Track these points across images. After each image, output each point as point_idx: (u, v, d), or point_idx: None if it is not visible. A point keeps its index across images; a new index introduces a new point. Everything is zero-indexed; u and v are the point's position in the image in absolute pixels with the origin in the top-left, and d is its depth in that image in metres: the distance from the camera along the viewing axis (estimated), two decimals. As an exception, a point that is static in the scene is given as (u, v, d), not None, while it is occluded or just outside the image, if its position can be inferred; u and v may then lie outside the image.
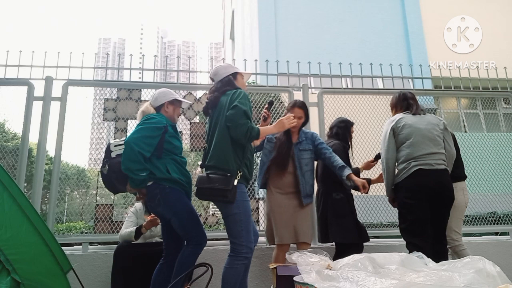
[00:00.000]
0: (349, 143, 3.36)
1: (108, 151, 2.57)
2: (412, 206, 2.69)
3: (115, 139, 2.94)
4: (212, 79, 2.62)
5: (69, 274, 2.38)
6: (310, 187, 2.98)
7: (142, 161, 2.36)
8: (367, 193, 2.89)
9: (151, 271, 2.62)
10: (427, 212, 2.67)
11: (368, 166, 3.47)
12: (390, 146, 2.82)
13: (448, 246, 2.85)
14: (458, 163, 3.04)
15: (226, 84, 2.51)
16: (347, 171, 2.84)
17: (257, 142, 3.05)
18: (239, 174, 2.34)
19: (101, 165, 2.65)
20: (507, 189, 4.25)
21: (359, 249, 3.05)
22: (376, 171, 3.59)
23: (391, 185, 2.86)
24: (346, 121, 3.40)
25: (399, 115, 2.89)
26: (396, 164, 2.85)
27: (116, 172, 2.46)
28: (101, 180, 2.60)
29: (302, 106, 3.07)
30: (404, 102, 2.96)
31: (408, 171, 2.71)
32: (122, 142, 2.50)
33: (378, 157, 3.34)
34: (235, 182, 2.29)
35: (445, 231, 2.81)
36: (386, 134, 2.85)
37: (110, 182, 2.53)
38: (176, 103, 2.72)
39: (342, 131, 3.33)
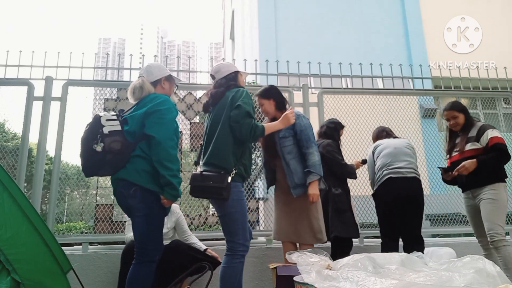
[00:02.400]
0: (339, 143, 3.38)
1: (98, 124, 2.16)
2: (384, 210, 3.16)
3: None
4: (213, 77, 2.61)
5: (69, 274, 2.39)
6: (299, 175, 2.71)
7: (178, 159, 2.18)
8: (312, 201, 2.73)
9: (160, 271, 2.62)
10: (397, 216, 3.07)
11: (357, 165, 3.47)
12: (369, 166, 3.39)
13: (490, 240, 2.88)
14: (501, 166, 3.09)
15: (231, 80, 2.53)
16: (311, 178, 2.67)
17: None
18: (234, 171, 2.33)
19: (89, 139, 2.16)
20: (507, 190, 4.24)
21: (350, 245, 3.15)
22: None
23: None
24: (336, 123, 3.43)
25: (379, 141, 3.42)
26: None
27: (113, 153, 2.12)
28: (83, 161, 2.16)
29: (260, 94, 2.87)
30: (383, 133, 3.49)
31: (381, 180, 3.15)
32: (115, 117, 2.22)
33: (364, 161, 3.48)
34: (229, 179, 2.28)
35: (417, 230, 3.08)
36: (369, 157, 3.40)
37: (99, 162, 2.13)
38: (171, 79, 2.49)
39: (330, 131, 3.35)
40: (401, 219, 3.07)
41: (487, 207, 2.92)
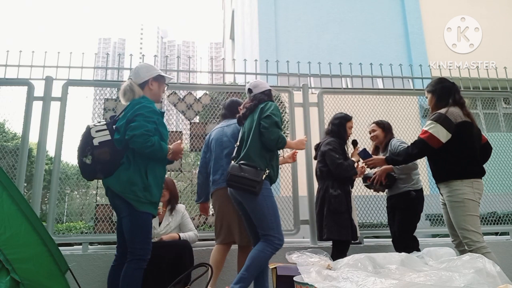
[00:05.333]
0: (345, 139, 3.30)
1: (88, 137, 2.23)
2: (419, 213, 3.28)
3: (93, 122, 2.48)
4: (250, 91, 2.82)
5: (68, 274, 2.39)
6: None
7: (157, 149, 2.23)
8: None
9: (161, 271, 2.61)
10: None
11: (354, 155, 3.30)
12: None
13: (468, 250, 2.56)
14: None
15: (266, 95, 2.77)
16: None
17: None
18: (267, 171, 2.53)
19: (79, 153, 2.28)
20: (507, 189, 4.25)
21: (346, 247, 3.11)
22: None
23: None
24: (341, 118, 3.33)
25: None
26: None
27: (102, 163, 2.20)
28: (80, 169, 2.29)
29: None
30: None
31: (418, 184, 3.26)
32: (105, 127, 2.26)
33: (354, 143, 3.34)
34: (263, 176, 2.46)
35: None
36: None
37: (92, 172, 2.24)
38: (160, 79, 2.48)
39: (336, 127, 3.29)
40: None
41: (454, 211, 2.60)
